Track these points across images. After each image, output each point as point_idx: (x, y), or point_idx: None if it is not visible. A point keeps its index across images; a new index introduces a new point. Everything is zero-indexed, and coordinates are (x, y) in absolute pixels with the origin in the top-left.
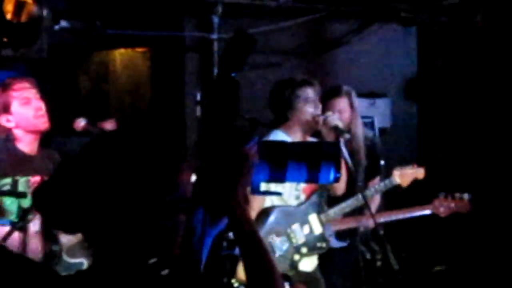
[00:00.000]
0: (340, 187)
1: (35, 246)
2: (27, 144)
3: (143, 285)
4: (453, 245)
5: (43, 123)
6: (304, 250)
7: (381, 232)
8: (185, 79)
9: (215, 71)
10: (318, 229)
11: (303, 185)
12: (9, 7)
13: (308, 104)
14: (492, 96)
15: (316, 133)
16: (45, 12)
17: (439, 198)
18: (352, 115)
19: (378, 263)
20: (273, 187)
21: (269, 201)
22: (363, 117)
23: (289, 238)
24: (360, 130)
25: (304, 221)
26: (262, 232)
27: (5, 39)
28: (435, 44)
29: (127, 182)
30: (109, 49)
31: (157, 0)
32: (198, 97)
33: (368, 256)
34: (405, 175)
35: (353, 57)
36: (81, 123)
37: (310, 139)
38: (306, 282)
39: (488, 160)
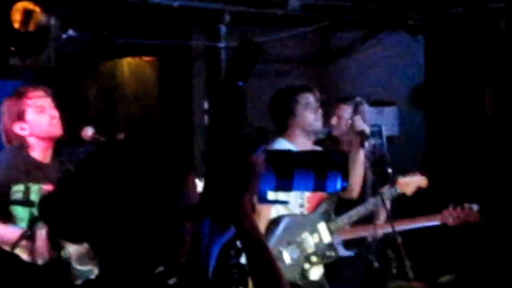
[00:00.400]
0: (357, 190)
1: (44, 255)
2: (40, 152)
3: None
4: (460, 254)
5: (57, 130)
6: (314, 258)
7: (399, 240)
8: (192, 87)
9: (222, 79)
10: (327, 238)
11: (307, 194)
12: (17, 16)
13: (308, 110)
14: (500, 105)
15: (322, 142)
16: (52, 21)
17: (448, 209)
18: (357, 124)
19: (394, 271)
20: (279, 195)
21: (273, 209)
22: (370, 126)
23: (299, 247)
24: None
25: (313, 230)
26: (273, 242)
27: (13, 48)
28: (443, 52)
29: (133, 191)
30: (116, 58)
31: (164, 9)
32: (206, 106)
33: (376, 265)
34: (408, 184)
35: (360, 66)
36: (88, 132)
37: (315, 147)
38: None
39: (497, 168)
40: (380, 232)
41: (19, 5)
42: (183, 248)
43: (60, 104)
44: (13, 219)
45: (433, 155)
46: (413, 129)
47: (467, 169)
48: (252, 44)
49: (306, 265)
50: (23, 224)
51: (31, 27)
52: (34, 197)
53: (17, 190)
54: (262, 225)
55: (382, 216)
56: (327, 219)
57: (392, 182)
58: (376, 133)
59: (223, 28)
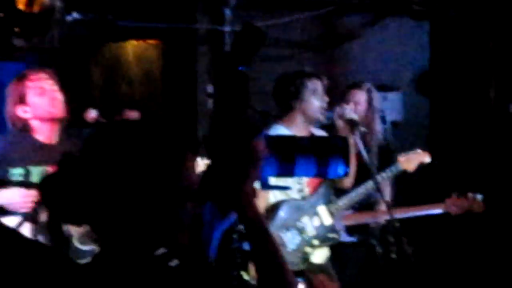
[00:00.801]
0: (348, 180)
1: (45, 237)
2: (45, 134)
3: (150, 276)
4: (463, 243)
5: (59, 111)
6: (315, 242)
7: (397, 224)
8: (196, 71)
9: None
10: (328, 221)
11: (305, 179)
12: None
13: (315, 96)
14: (504, 91)
15: (328, 127)
16: (57, 3)
17: (451, 197)
18: (370, 111)
19: (393, 256)
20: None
21: (271, 195)
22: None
23: (300, 232)
24: (378, 126)
25: (313, 213)
26: (273, 227)
27: (17, 29)
28: (447, 38)
29: (133, 171)
30: (121, 41)
31: None
32: (210, 89)
33: (379, 250)
34: (410, 160)
35: (365, 51)
36: (92, 114)
37: (316, 131)
38: (319, 274)
39: (500, 155)
40: (383, 218)
41: None
42: (183, 229)
43: (63, 86)
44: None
45: (437, 141)
46: (417, 115)
47: (470, 155)
48: (254, 29)
49: (308, 249)
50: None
51: (36, 8)
52: (36, 179)
53: (16, 173)
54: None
55: (387, 196)
56: (327, 201)
57: (394, 160)
58: (380, 118)
59: (228, 12)
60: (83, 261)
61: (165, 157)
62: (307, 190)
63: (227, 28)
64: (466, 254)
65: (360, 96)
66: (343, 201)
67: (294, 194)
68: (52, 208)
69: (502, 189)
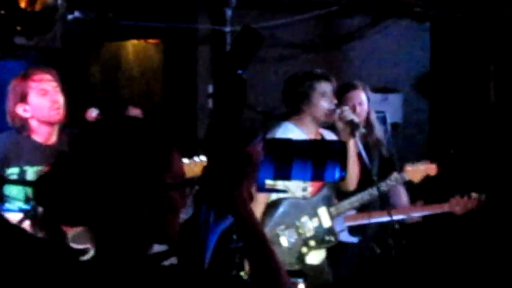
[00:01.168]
0: (352, 183)
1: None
2: (42, 135)
3: (145, 274)
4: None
5: (56, 115)
6: (312, 243)
7: (397, 226)
8: (197, 71)
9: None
10: (327, 223)
11: None
12: None
13: (324, 99)
14: (504, 92)
15: (331, 126)
16: (59, 2)
17: (456, 197)
18: (369, 108)
19: (392, 257)
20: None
21: (274, 193)
22: (375, 112)
23: (297, 231)
24: (376, 124)
25: (313, 214)
26: (270, 224)
27: (18, 28)
28: (449, 39)
29: (122, 165)
30: (121, 40)
31: None
32: (210, 89)
33: (378, 251)
34: (416, 171)
35: (366, 52)
36: (93, 113)
37: (325, 131)
38: (312, 276)
39: (500, 156)
40: (381, 219)
41: None
42: (171, 218)
43: (64, 85)
44: (7, 200)
45: (436, 142)
46: (418, 116)
47: (471, 157)
48: (252, 31)
49: (304, 249)
50: (19, 205)
51: (38, 7)
52: (31, 178)
53: (12, 173)
54: (259, 209)
55: (402, 202)
56: (328, 203)
57: (400, 168)
58: (381, 119)
59: (229, 12)
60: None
61: (151, 150)
62: (310, 190)
63: (227, 28)
64: (467, 256)
65: (362, 96)
66: (344, 205)
67: (297, 192)
68: (46, 207)
69: (503, 190)
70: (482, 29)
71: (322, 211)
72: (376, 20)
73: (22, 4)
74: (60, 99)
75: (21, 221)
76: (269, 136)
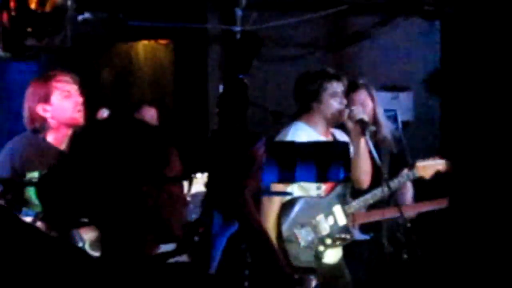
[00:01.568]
0: (365, 181)
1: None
2: (57, 137)
3: (149, 272)
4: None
5: (80, 118)
6: (328, 241)
7: (408, 225)
8: (208, 71)
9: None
10: (342, 221)
11: None
12: None
13: (334, 99)
14: None
15: (340, 126)
16: (69, 3)
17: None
18: (374, 105)
19: (405, 256)
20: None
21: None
22: (386, 111)
23: (313, 229)
24: (384, 121)
25: (328, 212)
26: (287, 223)
27: (29, 29)
28: (459, 37)
29: (122, 159)
30: (132, 41)
31: None
32: (221, 89)
33: (390, 249)
34: (427, 167)
35: (376, 51)
36: (104, 114)
37: (336, 131)
38: (330, 275)
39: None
40: (393, 216)
41: None
42: (175, 217)
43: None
44: (28, 204)
45: (448, 140)
46: (429, 115)
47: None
48: (251, 37)
49: (321, 248)
50: (38, 209)
51: (48, 7)
52: None
53: (32, 177)
54: (275, 209)
55: (408, 198)
56: (342, 202)
57: (411, 165)
58: (392, 118)
59: (239, 12)
60: None
61: (151, 145)
62: (324, 188)
63: (238, 28)
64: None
65: (363, 96)
66: (359, 203)
67: (312, 190)
68: (50, 206)
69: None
70: (492, 26)
71: (337, 209)
72: (386, 19)
73: (32, 6)
74: (81, 102)
75: (32, 223)
76: (281, 135)
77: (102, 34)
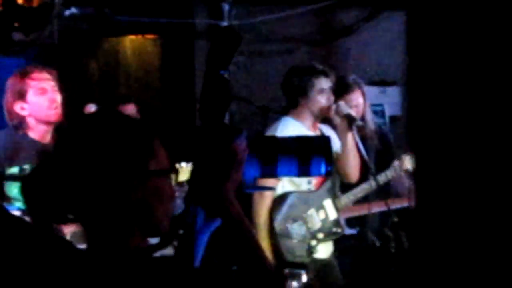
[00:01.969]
0: (354, 175)
1: None
2: (39, 133)
3: (134, 266)
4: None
5: (55, 115)
6: (320, 235)
7: (395, 219)
8: (195, 66)
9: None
10: (333, 215)
11: None
12: None
13: (321, 95)
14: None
15: (328, 121)
16: None
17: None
18: (365, 103)
19: (392, 250)
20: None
21: (280, 186)
22: (373, 105)
23: (305, 223)
24: (370, 116)
25: (319, 207)
26: (279, 218)
27: (16, 24)
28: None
29: (106, 152)
30: (119, 35)
31: None
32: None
33: (377, 244)
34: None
35: (363, 45)
36: (91, 109)
37: (323, 126)
38: (321, 270)
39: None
40: (379, 210)
41: None
42: (161, 211)
43: (62, 81)
44: (8, 200)
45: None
46: None
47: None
48: (230, 32)
49: (313, 242)
50: (19, 205)
51: (35, 2)
52: None
53: (11, 173)
54: (266, 204)
55: (403, 189)
56: (333, 195)
57: (399, 158)
58: (379, 112)
59: (226, 6)
60: None
61: (135, 140)
62: (314, 182)
63: (225, 23)
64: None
65: (358, 97)
66: (348, 196)
67: (303, 185)
68: (34, 203)
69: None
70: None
71: (328, 203)
72: (373, 13)
73: (19, 0)
74: (58, 98)
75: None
76: (270, 130)
77: (89, 29)
